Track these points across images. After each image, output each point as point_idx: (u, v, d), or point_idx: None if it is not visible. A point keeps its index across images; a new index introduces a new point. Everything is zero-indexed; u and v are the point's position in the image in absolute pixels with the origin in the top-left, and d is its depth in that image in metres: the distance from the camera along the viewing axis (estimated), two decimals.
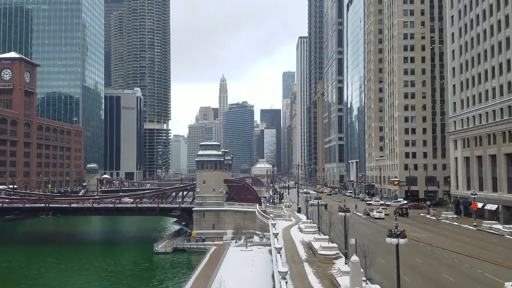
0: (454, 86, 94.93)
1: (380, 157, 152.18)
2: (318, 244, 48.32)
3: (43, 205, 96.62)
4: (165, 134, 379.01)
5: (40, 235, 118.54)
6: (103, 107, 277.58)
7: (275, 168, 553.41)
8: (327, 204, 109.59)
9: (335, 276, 34.84)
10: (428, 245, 54.23)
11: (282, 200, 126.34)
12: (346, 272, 34.52)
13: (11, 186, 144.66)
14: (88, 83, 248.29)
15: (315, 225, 64.17)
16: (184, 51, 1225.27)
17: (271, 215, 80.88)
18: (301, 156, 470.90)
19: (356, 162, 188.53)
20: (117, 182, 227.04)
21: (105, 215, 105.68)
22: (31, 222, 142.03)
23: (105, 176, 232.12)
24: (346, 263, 39.04)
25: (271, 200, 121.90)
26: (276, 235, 52.28)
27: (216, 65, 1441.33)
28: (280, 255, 40.62)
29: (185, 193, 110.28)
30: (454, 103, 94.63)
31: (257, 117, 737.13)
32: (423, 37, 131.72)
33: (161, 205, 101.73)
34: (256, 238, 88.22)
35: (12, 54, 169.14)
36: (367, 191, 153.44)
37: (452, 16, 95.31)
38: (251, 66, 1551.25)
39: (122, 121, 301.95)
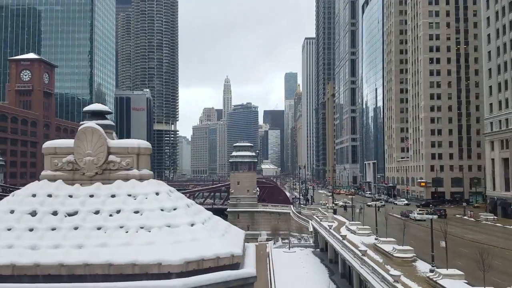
0: (490, 87, 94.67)
1: (402, 158, 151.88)
2: (389, 246, 47.90)
3: None
4: (173, 135, 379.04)
5: None
6: (113, 108, 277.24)
7: (280, 169, 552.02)
8: (346, 206, 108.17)
9: (433, 279, 34.49)
10: (495, 247, 53.89)
11: (320, 202, 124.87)
12: (447, 275, 34.22)
13: None
14: (99, 84, 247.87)
15: (368, 226, 63.77)
16: (187, 52, 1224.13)
17: (315, 216, 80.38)
18: (307, 157, 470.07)
19: (373, 163, 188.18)
20: None
21: None
22: None
23: None
24: (433, 266, 38.66)
25: (299, 202, 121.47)
26: (344, 237, 51.85)
27: (220, 66, 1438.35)
28: (365, 258, 40.17)
29: (208, 193, 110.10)
30: (491, 104, 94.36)
31: (260, 118, 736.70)
32: (448, 38, 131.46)
33: None
34: (293, 240, 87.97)
35: (31, 55, 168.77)
36: (389, 192, 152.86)
37: (488, 18, 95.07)
38: (255, 67, 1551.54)
39: (132, 123, 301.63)
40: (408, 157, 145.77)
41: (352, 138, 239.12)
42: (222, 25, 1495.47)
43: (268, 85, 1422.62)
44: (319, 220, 71.95)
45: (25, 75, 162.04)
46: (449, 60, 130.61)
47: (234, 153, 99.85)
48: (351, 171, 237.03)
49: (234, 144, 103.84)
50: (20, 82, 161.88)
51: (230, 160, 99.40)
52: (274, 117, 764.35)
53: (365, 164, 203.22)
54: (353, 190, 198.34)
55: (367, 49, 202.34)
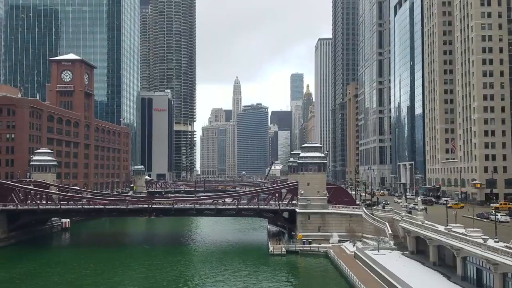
0: None
1: (447, 159, 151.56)
2: None
3: (146, 206, 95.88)
4: (190, 136, 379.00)
5: (130, 235, 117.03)
6: (136, 107, 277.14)
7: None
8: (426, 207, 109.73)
9: None
10: None
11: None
12: None
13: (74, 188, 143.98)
14: (125, 84, 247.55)
15: (478, 229, 63.29)
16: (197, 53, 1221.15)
17: (405, 218, 79.89)
18: None
19: (410, 164, 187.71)
20: (159, 183, 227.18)
21: (206, 215, 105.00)
22: (93, 223, 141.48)
23: (147, 177, 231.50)
24: None
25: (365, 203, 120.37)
26: (486, 240, 51.53)
27: (229, 66, 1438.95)
28: None
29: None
30: None
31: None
32: (500, 40, 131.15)
33: (261, 207, 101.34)
34: (370, 242, 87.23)
35: (72, 56, 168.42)
36: (437, 194, 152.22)
37: None
38: (259, 66, 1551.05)
39: (154, 123, 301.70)
40: (454, 158, 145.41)
41: (380, 139, 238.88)
42: (229, 25, 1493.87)
43: (271, 84, 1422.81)
44: (420, 223, 71.39)
45: (66, 76, 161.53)
46: (501, 62, 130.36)
47: (302, 154, 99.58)
48: (378, 172, 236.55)
49: (302, 145, 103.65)
50: (61, 82, 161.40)
51: (298, 161, 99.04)
52: (282, 118, 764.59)
53: (399, 165, 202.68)
54: (382, 191, 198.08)
55: (401, 50, 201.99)
